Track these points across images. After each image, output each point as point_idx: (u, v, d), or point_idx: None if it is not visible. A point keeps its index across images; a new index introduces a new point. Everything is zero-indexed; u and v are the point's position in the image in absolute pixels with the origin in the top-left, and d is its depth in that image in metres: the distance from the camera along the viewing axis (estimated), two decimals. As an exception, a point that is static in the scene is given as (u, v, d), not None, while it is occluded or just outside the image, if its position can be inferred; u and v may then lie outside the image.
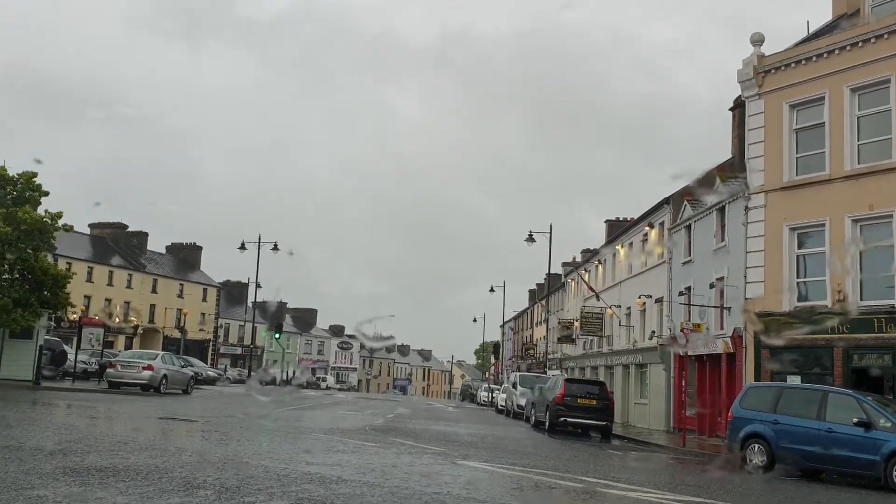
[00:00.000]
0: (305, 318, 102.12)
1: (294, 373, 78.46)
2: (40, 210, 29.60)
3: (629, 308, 36.93)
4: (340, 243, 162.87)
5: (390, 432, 18.11)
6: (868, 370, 19.77)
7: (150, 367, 28.33)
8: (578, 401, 24.79)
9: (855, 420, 14.41)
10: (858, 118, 20.75)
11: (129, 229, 72.18)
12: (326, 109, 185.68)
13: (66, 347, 37.41)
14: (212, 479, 8.07)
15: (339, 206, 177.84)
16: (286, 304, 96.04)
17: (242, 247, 50.96)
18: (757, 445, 15.85)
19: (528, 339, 69.95)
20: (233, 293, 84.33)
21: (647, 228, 35.25)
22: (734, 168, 27.36)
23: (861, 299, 20.01)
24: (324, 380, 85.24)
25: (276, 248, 50.66)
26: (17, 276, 29.03)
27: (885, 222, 19.73)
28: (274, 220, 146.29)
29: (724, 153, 29.65)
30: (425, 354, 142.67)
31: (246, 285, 74.85)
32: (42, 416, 15.73)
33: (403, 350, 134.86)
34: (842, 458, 14.40)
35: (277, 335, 56.03)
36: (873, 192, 19.68)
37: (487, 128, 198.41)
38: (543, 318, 57.16)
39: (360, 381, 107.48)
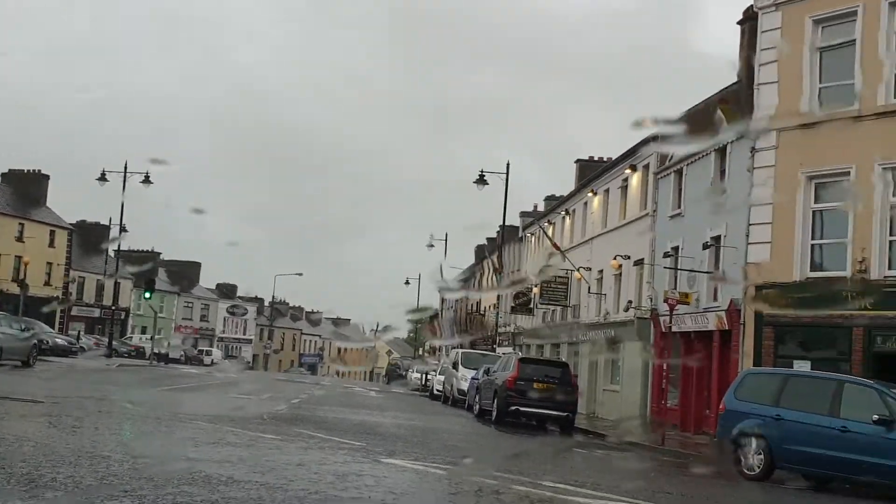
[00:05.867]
0: (185, 274, 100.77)
1: (169, 343, 77.70)
2: None
3: (601, 272, 37.45)
4: (192, 176, 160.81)
5: (296, 422, 18.12)
6: (894, 356, 20.47)
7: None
8: (534, 386, 25.13)
9: (875, 417, 14.88)
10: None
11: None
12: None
13: None
14: (62, 476, 7.96)
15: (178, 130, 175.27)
16: (160, 254, 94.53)
17: (103, 177, 49.73)
18: (753, 446, 16.29)
19: (475, 308, 70.49)
20: (89, 238, 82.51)
21: (627, 171, 35.61)
22: (739, 98, 27.71)
23: (889, 268, 20.63)
24: (208, 353, 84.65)
25: (147, 180, 49.62)
26: None
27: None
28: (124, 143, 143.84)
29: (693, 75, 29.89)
30: (342, 324, 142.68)
31: (106, 228, 73.20)
32: None
33: (313, 318, 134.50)
34: (858, 463, 14.86)
35: (148, 294, 55.13)
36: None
37: (351, 50, 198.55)
38: (494, 281, 57.66)
39: (256, 356, 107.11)
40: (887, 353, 20.60)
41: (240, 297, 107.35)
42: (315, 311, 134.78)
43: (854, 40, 21.79)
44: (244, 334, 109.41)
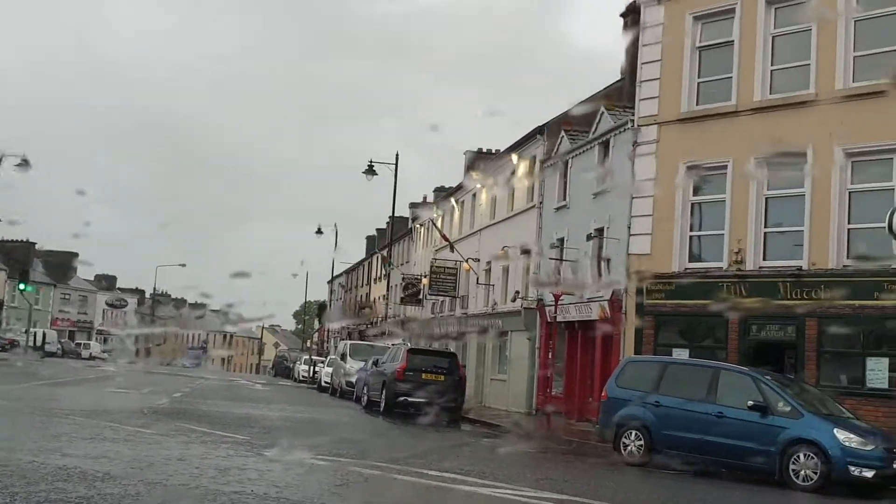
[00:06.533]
0: (60, 265, 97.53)
1: (45, 336, 75.32)
2: None
3: (489, 262, 37.83)
4: (69, 167, 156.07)
5: (178, 416, 17.89)
6: (768, 344, 21.28)
7: None
8: (423, 376, 25.29)
9: (750, 403, 15.45)
10: (773, 38, 21.93)
11: None
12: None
13: None
14: (-76, 476, 7.65)
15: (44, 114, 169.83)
16: (34, 244, 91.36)
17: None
18: (634, 432, 16.73)
19: (364, 299, 70.39)
20: (-41, 227, 79.22)
21: (514, 162, 36.02)
22: (623, 93, 28.35)
23: (763, 259, 21.42)
24: (87, 346, 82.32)
25: (25, 162, 47.64)
26: None
27: (798, 166, 21.04)
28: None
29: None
30: (226, 317, 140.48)
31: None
32: None
33: (197, 311, 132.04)
34: (733, 448, 15.41)
35: (24, 286, 53.36)
36: (786, 129, 20.90)
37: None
38: (384, 272, 57.61)
39: (138, 349, 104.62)
40: (761, 341, 21.40)
41: (119, 289, 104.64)
42: (199, 302, 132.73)
43: (732, 41, 22.48)
44: (124, 327, 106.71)
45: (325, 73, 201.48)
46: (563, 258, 28.73)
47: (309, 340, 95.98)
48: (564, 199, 30.68)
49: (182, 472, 9.50)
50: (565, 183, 30.87)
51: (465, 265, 39.70)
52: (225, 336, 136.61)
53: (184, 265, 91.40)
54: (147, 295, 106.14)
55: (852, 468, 14.28)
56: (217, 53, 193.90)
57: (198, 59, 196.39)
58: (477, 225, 41.01)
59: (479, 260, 38.85)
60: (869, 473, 14.30)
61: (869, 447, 14.53)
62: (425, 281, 44.52)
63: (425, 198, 59.20)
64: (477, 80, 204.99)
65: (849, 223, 20.02)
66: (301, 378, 55.44)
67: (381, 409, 25.65)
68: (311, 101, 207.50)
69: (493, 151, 44.16)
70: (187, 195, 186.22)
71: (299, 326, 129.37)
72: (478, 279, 38.78)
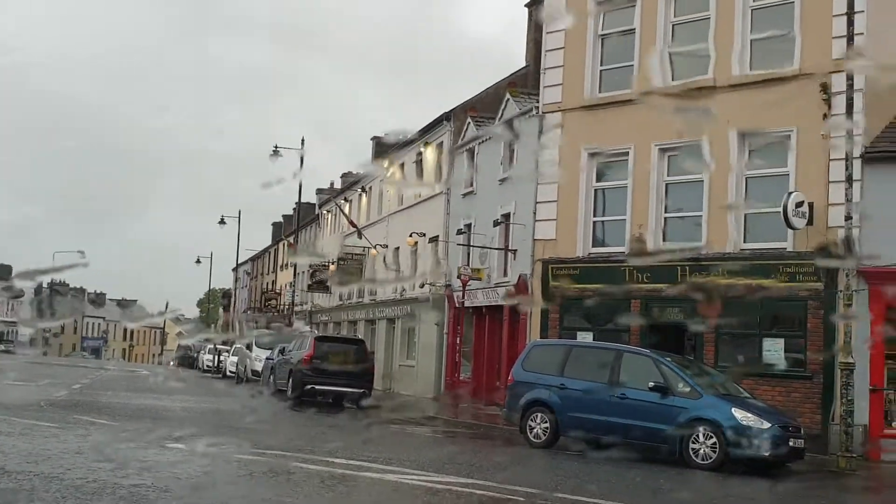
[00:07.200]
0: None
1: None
2: None
3: (398, 249, 37.84)
4: None
5: (76, 408, 17.56)
6: (669, 326, 21.80)
7: None
8: (330, 364, 25.19)
9: (651, 385, 15.83)
10: (674, 26, 22.37)
11: None
12: None
13: None
14: None
15: None
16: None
17: None
18: (540, 415, 16.97)
19: (270, 287, 69.64)
20: None
21: (421, 149, 36.07)
22: (528, 80, 28.63)
23: (664, 243, 21.89)
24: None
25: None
26: None
27: (697, 153, 21.54)
28: None
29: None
30: (128, 305, 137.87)
31: None
32: None
33: (97, 300, 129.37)
34: (636, 428, 15.73)
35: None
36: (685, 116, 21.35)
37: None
38: (290, 259, 57.10)
39: (34, 339, 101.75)
40: (662, 323, 21.87)
41: (15, 277, 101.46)
42: (99, 291, 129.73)
43: (634, 29, 22.86)
44: (18, 317, 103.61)
45: (223, 56, 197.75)
46: (471, 244, 28.93)
47: (214, 329, 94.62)
48: (472, 186, 30.85)
49: (80, 465, 9.31)
50: (473, 169, 31.04)
51: (373, 251, 39.64)
52: (126, 327, 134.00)
53: (82, 253, 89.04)
54: (44, 284, 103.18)
55: (749, 446, 14.73)
56: (115, 36, 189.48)
57: (93, 41, 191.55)
58: (385, 211, 40.96)
59: (387, 246, 38.84)
60: (766, 451, 14.76)
61: (765, 426, 15.00)
62: (333, 268, 44.29)
63: (332, 184, 58.82)
64: (376, 66, 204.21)
65: (745, 207, 20.59)
66: (206, 368, 54.71)
67: (289, 398, 25.47)
68: (214, 85, 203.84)
69: (401, 137, 44.09)
70: (83, 182, 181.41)
71: (203, 315, 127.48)
72: (386, 265, 38.75)
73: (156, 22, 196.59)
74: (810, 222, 18.65)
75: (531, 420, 17.04)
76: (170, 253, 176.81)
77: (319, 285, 47.89)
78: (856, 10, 16.89)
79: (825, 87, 18.91)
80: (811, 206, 18.63)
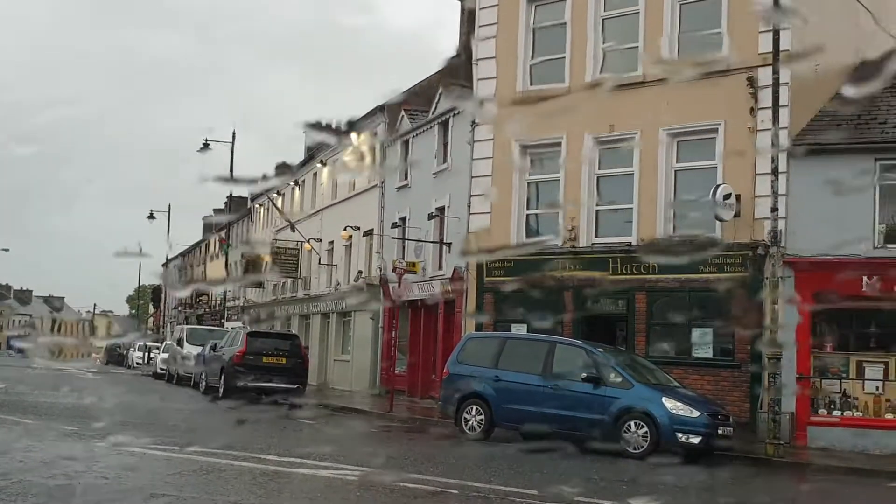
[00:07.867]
0: None
1: None
2: None
3: (332, 242, 37.65)
4: None
5: (0, 408, 17.07)
6: (601, 317, 22.04)
7: None
8: (263, 360, 25.04)
9: (584, 375, 16.03)
10: (604, 20, 22.59)
11: None
12: None
13: None
14: None
15: None
16: None
17: None
18: (475, 407, 17.06)
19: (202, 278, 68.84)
20: None
21: (354, 141, 35.89)
22: (459, 72, 28.62)
23: (596, 235, 22.13)
24: None
25: None
26: None
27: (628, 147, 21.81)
28: None
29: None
30: (55, 303, 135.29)
31: None
32: None
33: (23, 297, 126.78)
34: (569, 419, 15.92)
35: None
36: (616, 110, 21.60)
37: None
38: (221, 253, 56.46)
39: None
40: (595, 314, 22.14)
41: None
42: (24, 288, 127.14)
43: (564, 22, 23.03)
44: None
45: (144, 47, 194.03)
46: (406, 237, 28.91)
47: (143, 326, 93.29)
48: (406, 179, 30.84)
49: (3, 466, 9.12)
50: (407, 161, 31.02)
51: (306, 245, 39.39)
52: (53, 322, 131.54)
53: (6, 250, 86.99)
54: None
55: (680, 435, 15.03)
56: (34, 27, 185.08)
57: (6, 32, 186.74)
58: (318, 204, 40.70)
59: (321, 240, 38.63)
60: (696, 439, 15.09)
61: (695, 414, 15.31)
62: (266, 258, 43.87)
63: (265, 176, 58.24)
64: (300, 57, 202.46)
65: (675, 200, 20.93)
66: (135, 365, 53.96)
67: (220, 395, 25.22)
68: (136, 77, 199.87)
69: (334, 129, 43.75)
70: (12, 175, 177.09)
71: (133, 312, 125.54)
72: (320, 259, 38.56)
73: (79, 13, 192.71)
74: (738, 214, 19.03)
75: (466, 412, 17.14)
76: (97, 248, 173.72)
77: (252, 279, 47.40)
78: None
79: (752, 81, 19.31)
80: (738, 197, 19.01)
